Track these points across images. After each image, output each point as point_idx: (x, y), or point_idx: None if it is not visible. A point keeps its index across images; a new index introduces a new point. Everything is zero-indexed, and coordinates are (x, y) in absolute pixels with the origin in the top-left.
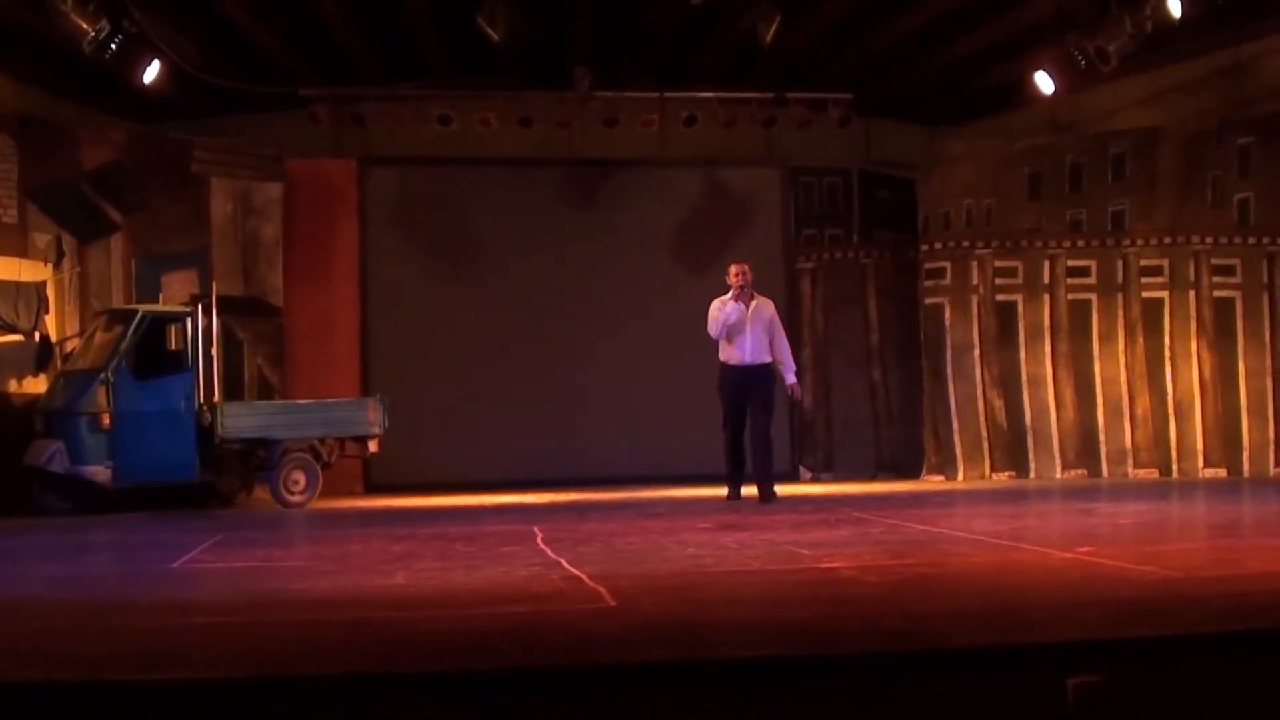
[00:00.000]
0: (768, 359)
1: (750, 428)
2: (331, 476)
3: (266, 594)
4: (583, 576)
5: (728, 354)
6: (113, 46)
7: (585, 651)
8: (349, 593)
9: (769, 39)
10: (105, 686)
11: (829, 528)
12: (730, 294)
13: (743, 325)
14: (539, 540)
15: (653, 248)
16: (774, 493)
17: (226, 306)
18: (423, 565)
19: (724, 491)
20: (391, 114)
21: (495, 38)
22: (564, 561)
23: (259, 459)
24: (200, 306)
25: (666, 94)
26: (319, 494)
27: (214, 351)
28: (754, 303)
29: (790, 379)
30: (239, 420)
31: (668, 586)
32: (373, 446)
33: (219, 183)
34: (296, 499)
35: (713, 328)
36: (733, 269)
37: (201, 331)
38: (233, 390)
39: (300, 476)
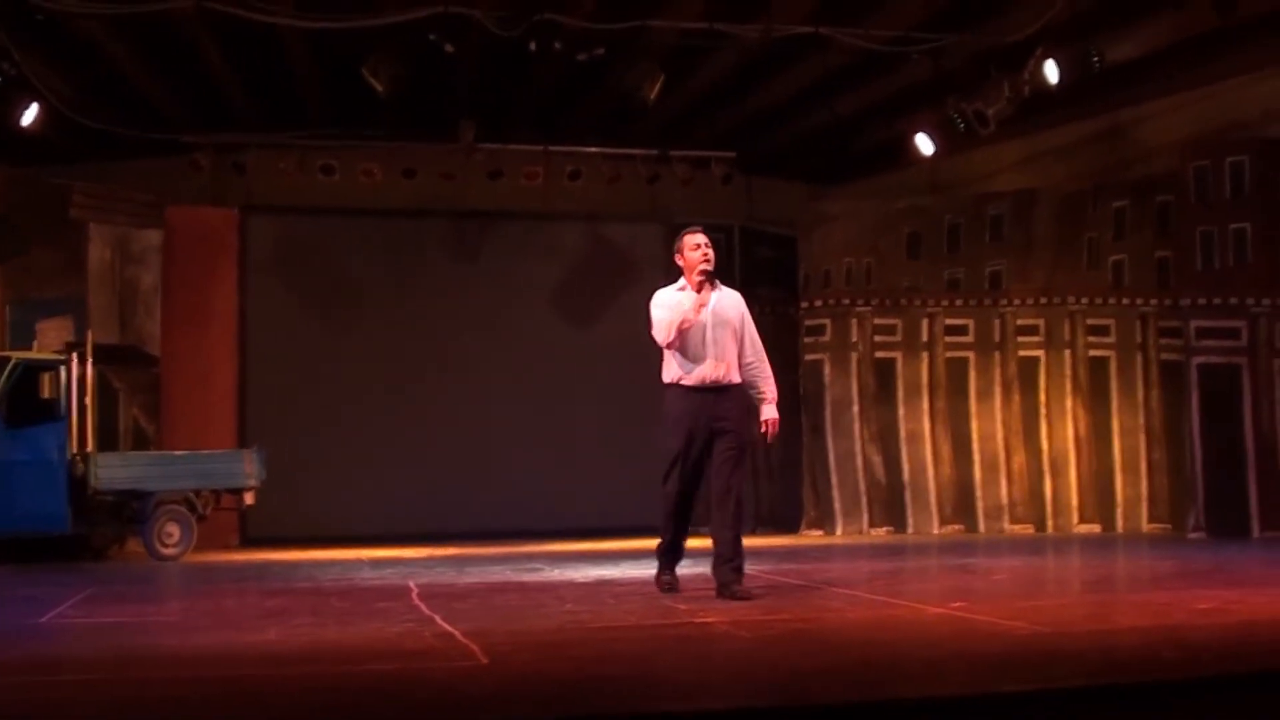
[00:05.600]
0: (738, 378)
1: (714, 482)
2: (206, 529)
3: (136, 650)
4: (456, 633)
5: (680, 370)
6: None
7: (454, 710)
8: (220, 649)
9: (652, 97)
10: None
11: (705, 582)
12: (680, 283)
13: (701, 327)
14: (414, 596)
15: (536, 301)
16: (742, 581)
17: (102, 355)
18: (296, 621)
19: (606, 545)
20: (273, 163)
21: (379, 89)
22: (438, 618)
23: (132, 511)
24: (75, 354)
25: (551, 148)
26: (193, 547)
27: (88, 400)
28: (715, 295)
29: (768, 411)
30: (112, 471)
31: (542, 644)
32: (249, 499)
33: (97, 229)
34: (170, 552)
35: (660, 330)
36: (687, 240)
37: (76, 380)
38: (107, 440)
39: (174, 529)
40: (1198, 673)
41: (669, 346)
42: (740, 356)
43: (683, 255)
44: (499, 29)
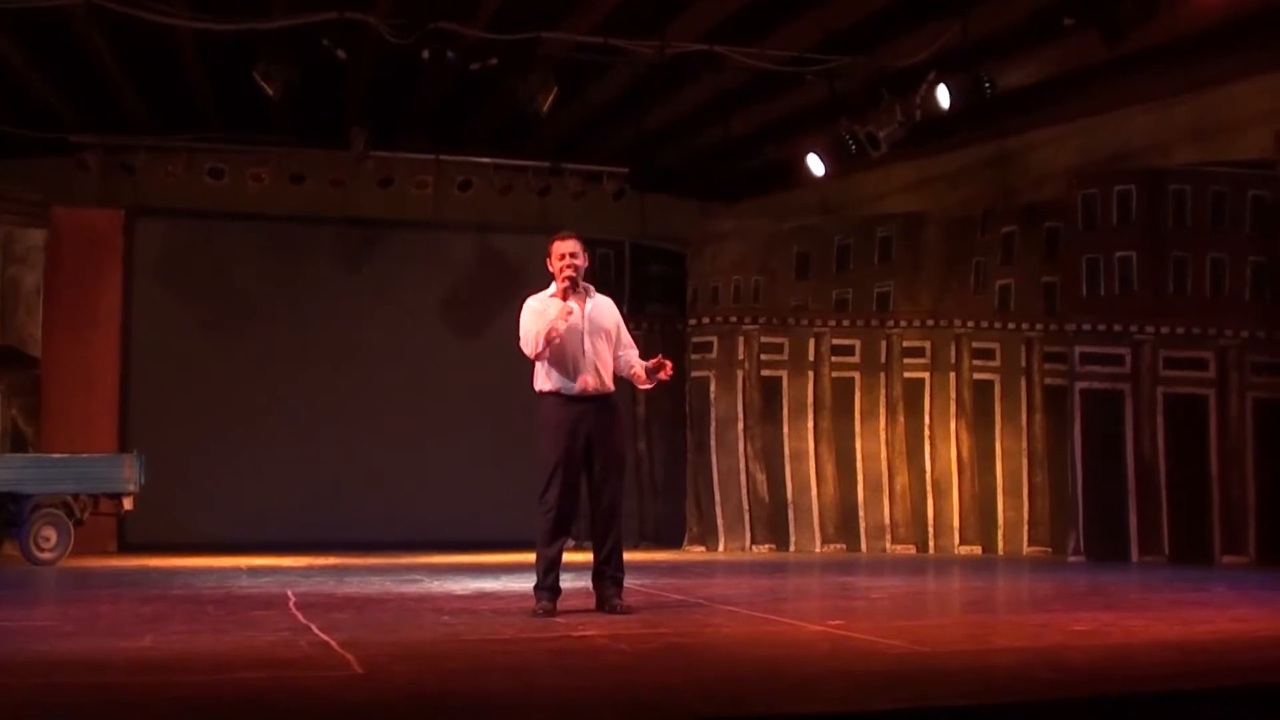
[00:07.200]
0: (613, 387)
1: (595, 494)
2: (84, 534)
3: (4, 656)
4: (332, 643)
5: (554, 379)
6: None
7: None
8: (92, 655)
9: (546, 109)
10: None
11: (585, 596)
12: (552, 289)
13: (578, 335)
14: (291, 604)
15: (425, 311)
16: (622, 595)
17: None
18: (171, 628)
19: (487, 558)
20: (162, 165)
21: (271, 93)
22: (314, 627)
23: (8, 514)
24: None
25: (442, 157)
26: (70, 552)
27: None
28: (590, 302)
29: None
30: None
31: (418, 655)
32: (127, 504)
33: None
34: (46, 556)
35: (528, 342)
36: (555, 247)
37: None
38: None
39: (51, 533)
40: (1072, 693)
41: (536, 358)
42: (617, 362)
43: (551, 262)
44: (393, 36)
